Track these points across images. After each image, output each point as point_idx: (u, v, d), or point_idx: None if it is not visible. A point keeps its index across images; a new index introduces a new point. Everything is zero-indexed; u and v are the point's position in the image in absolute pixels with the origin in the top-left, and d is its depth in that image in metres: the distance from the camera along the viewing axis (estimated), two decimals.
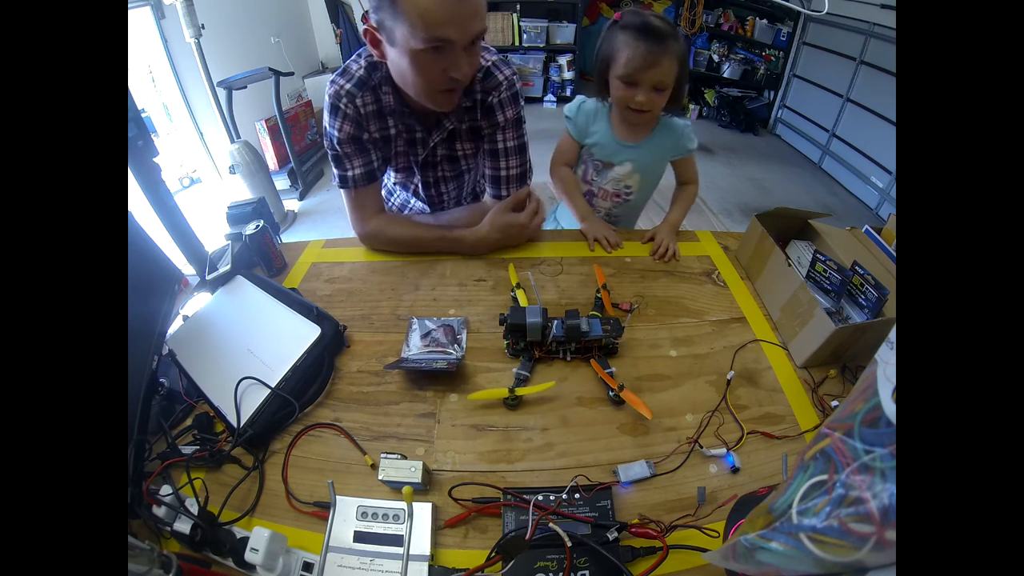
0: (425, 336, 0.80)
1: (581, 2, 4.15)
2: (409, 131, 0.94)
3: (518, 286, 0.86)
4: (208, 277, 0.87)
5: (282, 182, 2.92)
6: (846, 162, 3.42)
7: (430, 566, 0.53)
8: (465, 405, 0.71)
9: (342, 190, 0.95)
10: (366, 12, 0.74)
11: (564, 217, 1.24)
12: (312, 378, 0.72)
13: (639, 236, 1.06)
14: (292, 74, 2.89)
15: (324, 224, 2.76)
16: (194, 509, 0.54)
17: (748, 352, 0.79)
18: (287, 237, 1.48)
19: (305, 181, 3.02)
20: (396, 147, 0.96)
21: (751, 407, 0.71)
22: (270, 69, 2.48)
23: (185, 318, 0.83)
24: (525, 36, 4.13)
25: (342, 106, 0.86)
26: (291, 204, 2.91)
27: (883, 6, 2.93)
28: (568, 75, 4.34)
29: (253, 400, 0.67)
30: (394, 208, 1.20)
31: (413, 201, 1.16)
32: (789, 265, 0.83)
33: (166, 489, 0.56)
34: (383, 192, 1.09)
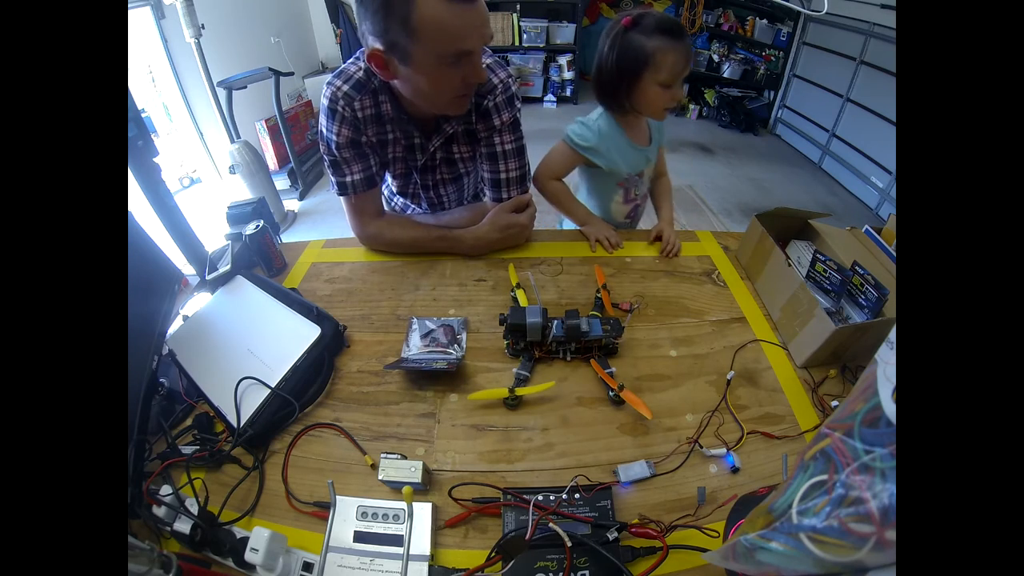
0: (425, 336, 0.80)
1: (581, 2, 4.15)
2: (407, 137, 0.93)
3: (518, 286, 0.86)
4: (208, 277, 0.87)
5: (282, 182, 2.92)
6: (846, 162, 3.41)
7: (430, 566, 0.53)
8: (465, 405, 0.71)
9: (341, 197, 0.93)
10: (366, 36, 0.73)
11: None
12: (312, 378, 0.72)
13: (639, 236, 1.06)
14: (292, 74, 2.89)
15: (324, 224, 2.76)
16: (194, 509, 0.54)
17: (748, 352, 0.79)
18: (287, 237, 1.48)
19: (305, 181, 3.02)
20: (393, 152, 0.95)
21: (751, 407, 0.71)
22: (270, 69, 2.48)
23: (185, 318, 0.83)
24: (525, 36, 4.12)
25: (339, 109, 0.84)
26: (291, 204, 2.91)
27: (883, 6, 2.93)
28: (568, 75, 4.34)
29: (253, 400, 0.67)
30: (396, 210, 1.20)
31: (412, 207, 1.16)
32: (789, 265, 0.83)
33: (166, 489, 0.56)
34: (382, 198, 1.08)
